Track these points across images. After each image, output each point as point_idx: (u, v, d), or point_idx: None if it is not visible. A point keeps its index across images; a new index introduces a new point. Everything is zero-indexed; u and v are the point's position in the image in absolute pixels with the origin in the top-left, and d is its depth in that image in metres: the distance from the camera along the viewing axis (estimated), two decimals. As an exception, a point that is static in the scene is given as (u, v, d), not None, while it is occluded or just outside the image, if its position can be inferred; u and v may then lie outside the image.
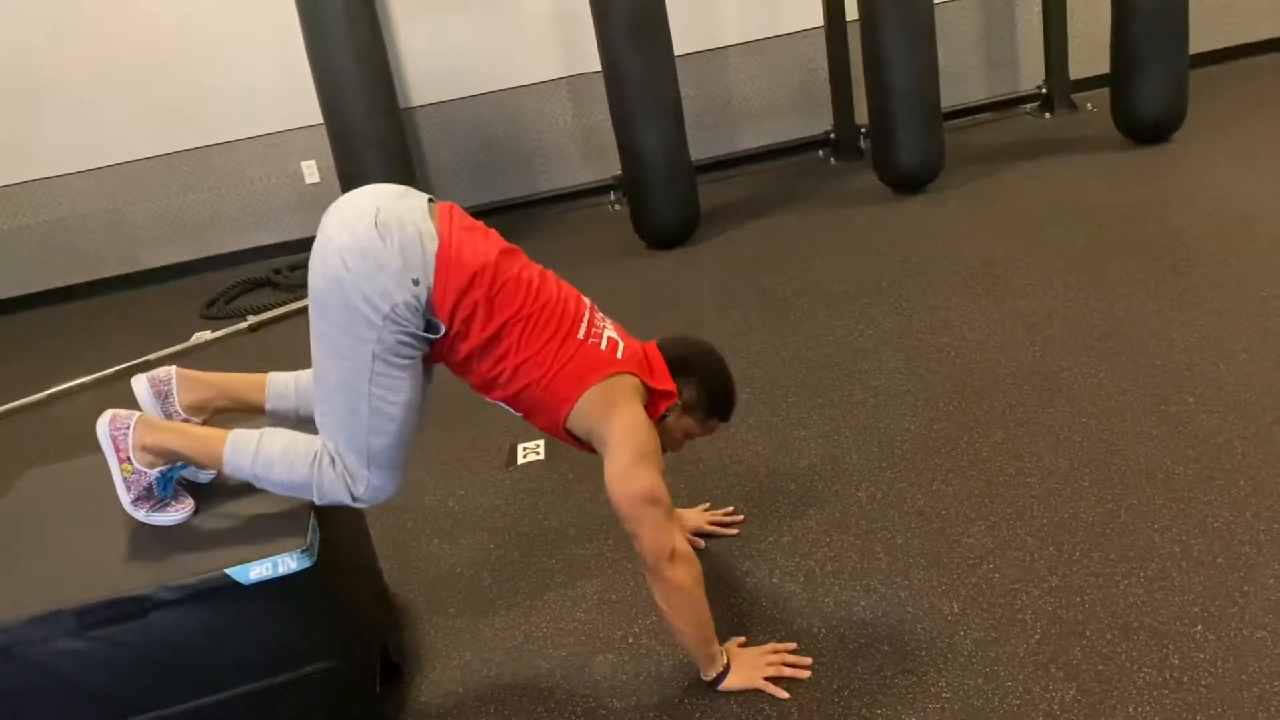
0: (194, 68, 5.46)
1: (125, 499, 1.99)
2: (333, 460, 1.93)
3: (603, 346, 2.00)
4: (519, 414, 2.04)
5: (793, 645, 2.13)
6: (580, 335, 1.98)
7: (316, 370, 1.91)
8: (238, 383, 2.19)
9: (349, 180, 4.63)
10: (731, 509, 2.64)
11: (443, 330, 1.88)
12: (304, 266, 5.83)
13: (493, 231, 2.02)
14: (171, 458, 2.00)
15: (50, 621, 1.79)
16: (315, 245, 1.87)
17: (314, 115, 5.10)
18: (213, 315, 5.06)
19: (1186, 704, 1.84)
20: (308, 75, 4.83)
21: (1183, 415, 2.71)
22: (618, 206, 5.68)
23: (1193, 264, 3.58)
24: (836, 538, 2.48)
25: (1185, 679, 1.90)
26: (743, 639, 2.17)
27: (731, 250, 4.65)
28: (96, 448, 2.29)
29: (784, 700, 2.01)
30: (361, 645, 2.11)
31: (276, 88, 5.48)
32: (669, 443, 2.15)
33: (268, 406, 2.18)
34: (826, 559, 2.41)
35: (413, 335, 1.86)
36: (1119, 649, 1.99)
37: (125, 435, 1.97)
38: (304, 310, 4.83)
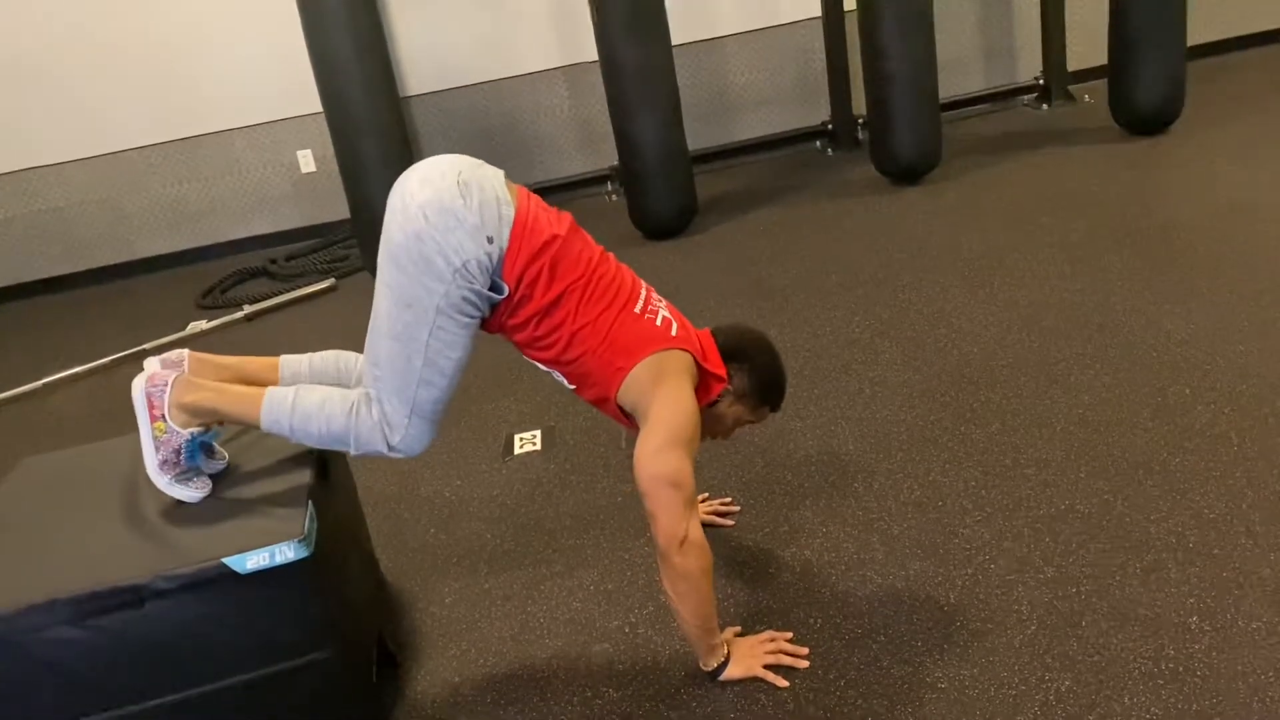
0: (190, 56, 5.44)
1: (151, 461, 1.98)
2: (369, 407, 1.96)
3: (658, 323, 2.03)
4: (571, 386, 2.08)
5: (789, 635, 2.14)
6: (637, 310, 2.03)
7: (377, 320, 1.96)
8: (249, 364, 2.20)
9: (349, 169, 4.62)
10: (729, 499, 2.64)
11: (506, 292, 1.93)
12: (300, 256, 5.81)
13: (565, 212, 2.08)
14: (208, 417, 2.01)
15: (46, 610, 1.79)
16: (393, 203, 1.94)
17: (310, 104, 5.09)
18: (208, 305, 5.05)
19: (1182, 694, 1.85)
20: (304, 64, 4.80)
21: (1179, 407, 2.71)
22: (614, 197, 5.67)
23: (1189, 256, 3.58)
24: (833, 528, 2.48)
25: (1181, 670, 1.90)
26: (738, 628, 2.18)
27: (728, 241, 4.65)
28: (92, 437, 2.29)
29: (781, 690, 2.02)
30: (358, 635, 2.12)
31: (272, 76, 5.47)
32: (720, 429, 2.18)
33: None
34: (823, 549, 2.41)
35: (477, 294, 1.91)
36: (1114, 640, 2.00)
37: (162, 393, 1.98)
38: (299, 301, 4.86)
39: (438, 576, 2.58)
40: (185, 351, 2.16)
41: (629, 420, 2.05)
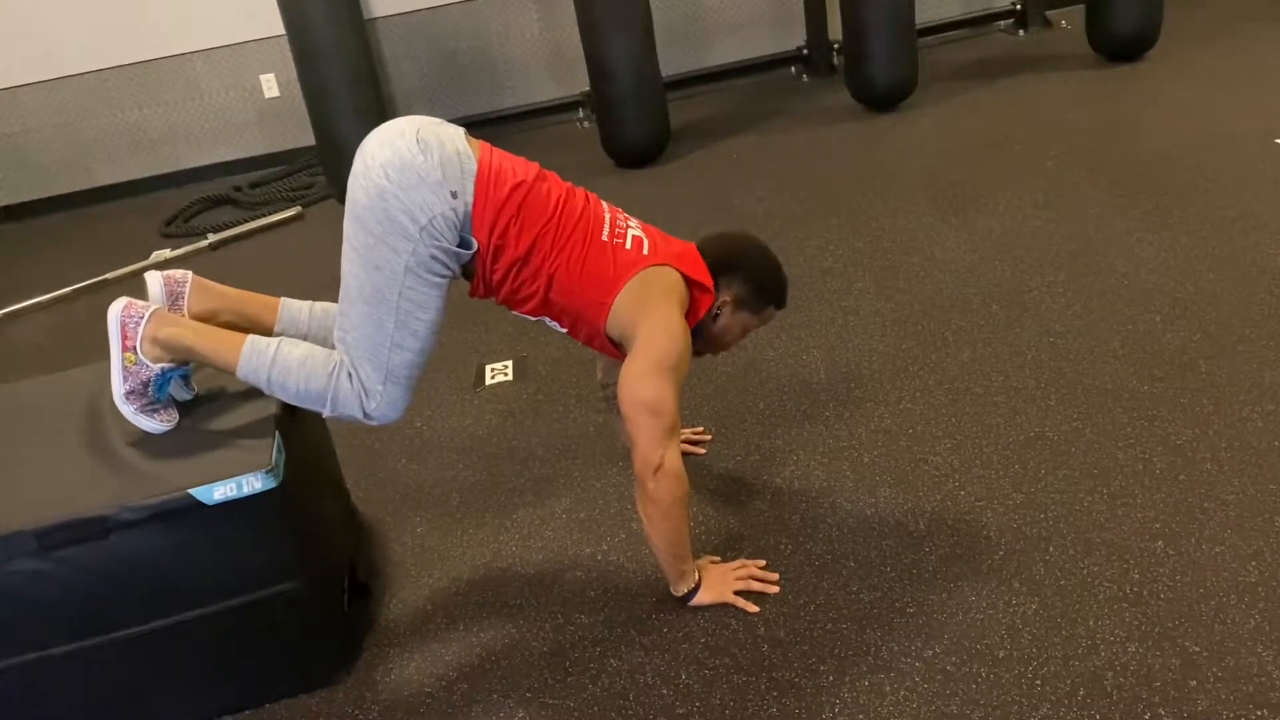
0: (145, -25, 5.26)
1: (119, 390, 1.95)
2: (350, 375, 1.94)
3: (628, 245, 2.01)
4: (563, 329, 2.07)
5: (762, 562, 2.15)
6: (604, 237, 2.01)
7: (346, 284, 1.93)
8: (250, 301, 2.16)
9: (312, 94, 4.51)
10: (701, 428, 2.64)
11: (474, 247, 1.92)
12: (265, 183, 5.68)
13: (533, 162, 2.06)
14: (181, 354, 1.98)
15: (10, 543, 1.77)
16: (355, 166, 1.92)
17: (272, 26, 4.94)
18: (172, 233, 4.94)
19: (1146, 617, 1.88)
20: (264, -16, 4.67)
21: (1149, 334, 2.72)
22: (586, 124, 5.58)
23: (1163, 184, 3.57)
24: (804, 456, 2.49)
25: (1145, 593, 1.93)
26: (715, 557, 2.19)
27: (701, 169, 4.59)
28: (53, 368, 2.24)
29: (752, 615, 2.04)
30: (328, 565, 2.11)
31: (232, -3, 5.30)
32: (727, 339, 2.17)
33: (277, 329, 2.13)
34: (794, 477, 2.42)
35: (445, 251, 1.90)
36: (1081, 564, 2.02)
37: (137, 325, 1.94)
38: (265, 229, 4.78)
39: (409, 506, 2.57)
40: (189, 273, 2.12)
41: (621, 353, 2.03)
